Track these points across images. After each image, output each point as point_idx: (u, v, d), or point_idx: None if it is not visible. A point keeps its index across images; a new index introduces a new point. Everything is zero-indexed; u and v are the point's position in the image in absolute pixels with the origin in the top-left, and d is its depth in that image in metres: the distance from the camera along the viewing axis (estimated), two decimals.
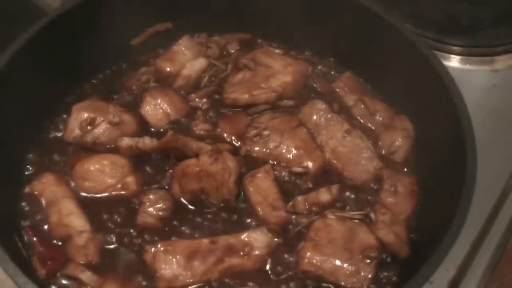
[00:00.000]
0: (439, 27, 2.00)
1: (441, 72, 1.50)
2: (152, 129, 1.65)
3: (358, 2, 1.63)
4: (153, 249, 1.41)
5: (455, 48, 1.96)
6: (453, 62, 1.91)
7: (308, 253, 1.40)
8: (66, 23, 1.63)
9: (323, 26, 1.73)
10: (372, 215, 1.47)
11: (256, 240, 1.44)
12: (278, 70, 1.70)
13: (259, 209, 1.48)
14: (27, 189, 1.53)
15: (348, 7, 1.66)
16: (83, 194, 1.53)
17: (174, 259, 1.40)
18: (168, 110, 1.66)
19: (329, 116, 1.63)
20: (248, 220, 1.49)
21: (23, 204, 1.52)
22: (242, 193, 1.52)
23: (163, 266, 1.39)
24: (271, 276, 1.41)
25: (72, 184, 1.54)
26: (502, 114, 1.79)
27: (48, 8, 2.02)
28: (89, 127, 1.61)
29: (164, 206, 1.49)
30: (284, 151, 1.58)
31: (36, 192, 1.52)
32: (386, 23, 1.61)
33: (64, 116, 1.66)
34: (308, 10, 1.72)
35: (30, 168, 1.58)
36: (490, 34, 2.02)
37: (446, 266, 1.53)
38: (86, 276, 1.40)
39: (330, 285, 1.39)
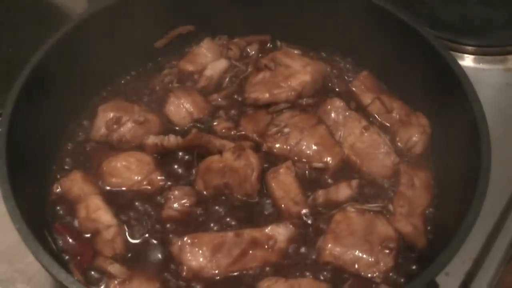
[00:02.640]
0: (454, 28, 2.06)
1: (458, 72, 1.55)
2: (176, 128, 1.70)
3: (375, 3, 1.68)
4: (179, 241, 1.46)
5: (469, 48, 2.01)
6: (467, 61, 1.97)
7: (329, 245, 1.45)
8: (91, 27, 1.68)
9: (340, 27, 1.78)
10: (390, 207, 1.52)
11: (280, 233, 1.48)
12: (297, 70, 1.75)
13: (282, 203, 1.53)
14: (55, 186, 1.59)
15: (365, 8, 1.71)
16: (110, 190, 1.58)
17: (200, 251, 1.45)
18: (191, 109, 1.72)
19: (347, 113, 1.68)
20: (271, 215, 1.53)
21: (52, 200, 1.57)
22: (264, 188, 1.57)
23: (189, 258, 1.44)
24: (292, 268, 1.46)
25: (99, 181, 1.59)
26: None
27: (71, 13, 2.08)
28: (115, 126, 1.66)
29: (188, 202, 1.54)
30: (304, 147, 1.63)
31: (64, 189, 1.58)
32: (403, 24, 1.65)
33: (90, 116, 1.71)
34: (326, 12, 1.77)
35: (58, 167, 1.64)
36: (503, 34, 2.07)
37: (462, 259, 1.58)
38: (115, 268, 1.45)
39: (349, 275, 1.44)
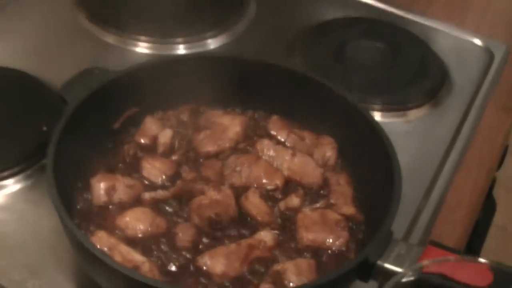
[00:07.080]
0: (364, 89, 2.62)
1: (342, 95, 2.26)
2: (155, 185, 2.22)
3: (287, 68, 2.36)
4: (202, 259, 1.96)
5: (376, 106, 2.62)
6: (376, 116, 2.48)
7: (304, 234, 2.06)
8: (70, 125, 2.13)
9: (252, 90, 2.43)
10: (332, 201, 2.18)
11: (265, 236, 2.05)
12: (228, 124, 2.35)
13: (259, 217, 2.09)
14: None
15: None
16: (129, 239, 2.04)
17: (219, 261, 1.97)
18: (163, 169, 2.23)
19: (276, 147, 2.32)
20: (255, 226, 2.08)
21: None
22: (243, 211, 2.13)
23: (214, 267, 1.95)
24: (281, 256, 2.04)
25: (118, 233, 2.06)
26: (414, 153, 2.48)
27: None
28: (112, 192, 2.14)
29: (193, 233, 2.06)
30: (256, 177, 2.22)
31: (96, 245, 2.01)
32: (298, 76, 2.35)
33: (82, 188, 2.15)
34: (238, 80, 2.40)
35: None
36: (403, 94, 2.69)
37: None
38: None
39: (323, 251, 2.06)
